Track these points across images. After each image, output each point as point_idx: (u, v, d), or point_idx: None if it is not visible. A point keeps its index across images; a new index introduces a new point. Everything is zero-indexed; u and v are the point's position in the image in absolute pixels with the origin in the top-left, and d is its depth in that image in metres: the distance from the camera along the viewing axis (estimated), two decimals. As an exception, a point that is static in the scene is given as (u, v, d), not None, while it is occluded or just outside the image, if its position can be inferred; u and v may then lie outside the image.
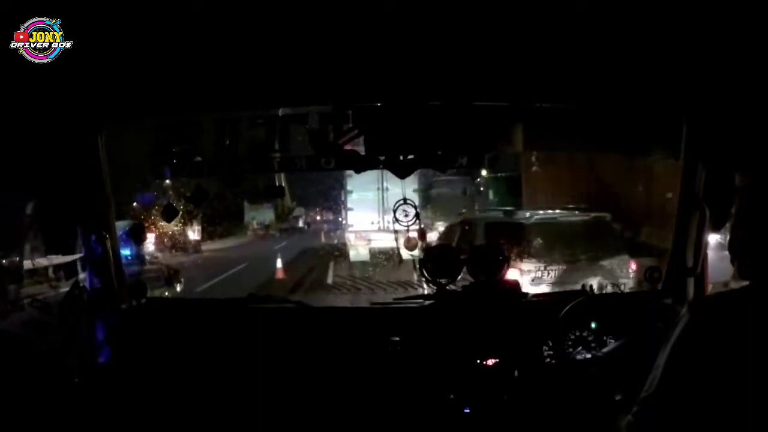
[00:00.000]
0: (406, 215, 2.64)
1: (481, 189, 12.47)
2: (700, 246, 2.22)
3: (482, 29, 1.72)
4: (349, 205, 11.31)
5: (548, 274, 5.44)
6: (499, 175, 11.79)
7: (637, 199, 8.21)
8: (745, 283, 1.11)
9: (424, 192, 10.98)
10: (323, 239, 18.43)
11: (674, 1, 1.56)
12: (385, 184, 10.12)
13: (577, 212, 7.37)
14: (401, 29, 1.72)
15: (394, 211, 2.64)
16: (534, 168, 10.55)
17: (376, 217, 9.97)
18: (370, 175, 9.69)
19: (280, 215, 25.19)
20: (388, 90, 2.21)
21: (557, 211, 7.77)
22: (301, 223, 25.30)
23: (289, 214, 25.55)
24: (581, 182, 8.81)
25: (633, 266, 5.81)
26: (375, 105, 2.27)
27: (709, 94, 2.07)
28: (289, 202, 23.72)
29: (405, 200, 2.67)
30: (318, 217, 26.03)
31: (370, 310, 2.77)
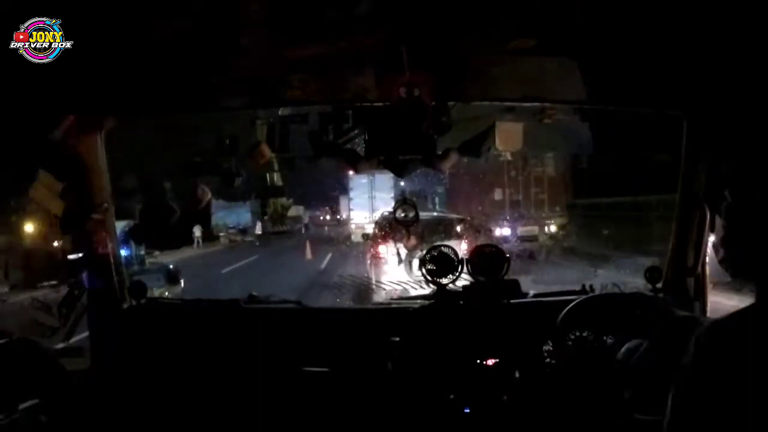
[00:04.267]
0: (406, 216, 2.64)
1: (433, 196, 17.02)
2: (700, 246, 2.22)
3: (482, 29, 1.72)
4: (351, 207, 16.00)
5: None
6: (441, 189, 17.14)
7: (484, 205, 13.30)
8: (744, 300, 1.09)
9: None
10: (309, 251, 14.29)
11: (674, 1, 1.56)
12: (373, 193, 14.74)
13: (453, 215, 10.75)
14: (401, 29, 1.72)
15: (395, 210, 2.65)
16: (449, 187, 15.96)
17: (368, 214, 14.55)
18: (364, 185, 14.73)
19: (272, 215, 20.88)
20: (388, 90, 2.21)
21: (434, 213, 11.47)
22: (255, 229, 19.84)
23: (284, 213, 21.52)
24: (463, 196, 14.11)
25: (464, 244, 8.14)
26: (375, 105, 2.28)
27: (709, 93, 2.07)
28: (285, 201, 20.48)
29: (405, 200, 2.67)
30: (326, 217, 22.73)
31: (369, 310, 2.77)
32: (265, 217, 20.57)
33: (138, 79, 1.99)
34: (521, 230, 11.11)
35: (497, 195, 12.30)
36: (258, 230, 20.34)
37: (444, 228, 8.76)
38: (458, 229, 9.11)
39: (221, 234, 18.89)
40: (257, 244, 18.74)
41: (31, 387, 1.76)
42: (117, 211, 2.50)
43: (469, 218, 10.80)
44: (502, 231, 11.02)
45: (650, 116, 2.33)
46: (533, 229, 11.06)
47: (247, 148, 2.53)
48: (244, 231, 19.69)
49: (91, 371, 2.29)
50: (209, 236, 17.20)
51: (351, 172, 12.93)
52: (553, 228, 11.20)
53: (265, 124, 2.38)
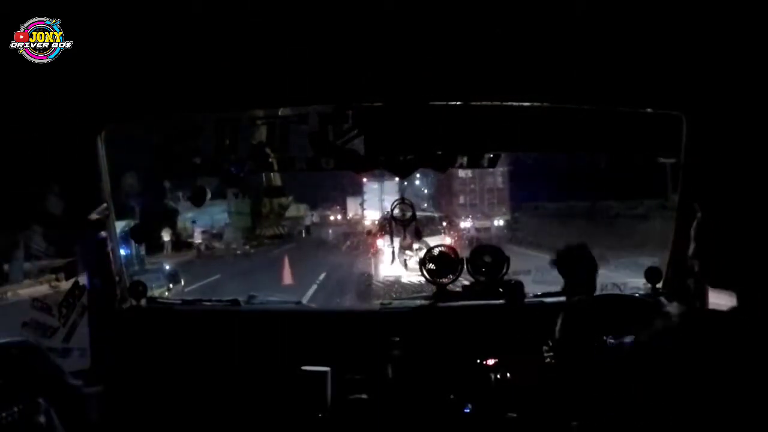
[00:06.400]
0: (404, 215, 2.65)
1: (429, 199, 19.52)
2: (700, 246, 2.21)
3: (482, 30, 1.72)
4: (365, 207, 17.68)
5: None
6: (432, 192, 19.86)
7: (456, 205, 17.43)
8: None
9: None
10: (288, 274, 9.32)
11: (674, 1, 1.56)
12: (382, 196, 15.70)
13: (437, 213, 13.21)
14: (401, 30, 1.72)
15: (392, 210, 2.65)
16: (438, 190, 18.63)
17: (378, 214, 15.86)
18: (375, 190, 16.57)
19: (267, 216, 17.51)
20: (388, 90, 2.21)
21: (426, 213, 12.28)
22: (194, 238, 15.14)
23: (281, 214, 18.50)
24: (442, 198, 17.34)
25: (447, 239, 9.11)
26: (375, 105, 2.28)
27: (709, 93, 2.07)
28: (283, 200, 17.79)
29: (403, 200, 2.68)
30: (337, 217, 20.96)
31: (369, 310, 2.77)
32: (227, 219, 16.54)
33: (138, 80, 2.00)
34: (477, 224, 16.48)
35: (461, 200, 18.10)
36: (197, 239, 14.99)
37: (431, 224, 10.35)
38: (443, 224, 11.31)
39: (196, 241, 14.96)
40: (242, 252, 14.80)
41: (31, 387, 1.76)
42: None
43: (447, 216, 14.01)
44: (465, 224, 16.10)
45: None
46: (485, 223, 16.67)
47: (247, 148, 2.53)
48: (218, 236, 15.79)
49: (91, 371, 2.29)
50: (179, 242, 14.04)
51: (365, 180, 15.86)
52: (501, 222, 16.97)
53: (265, 124, 2.37)
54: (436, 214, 13.51)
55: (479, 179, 17.47)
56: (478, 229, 16.07)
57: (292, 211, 19.36)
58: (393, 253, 2.70)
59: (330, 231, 19.15)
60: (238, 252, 15.42)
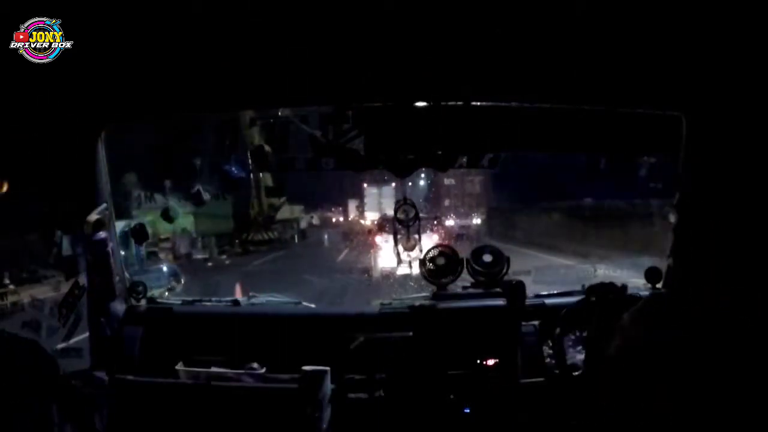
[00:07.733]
0: (407, 215, 2.65)
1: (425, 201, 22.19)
2: (700, 246, 2.21)
3: (481, 29, 1.72)
4: (366, 209, 18.94)
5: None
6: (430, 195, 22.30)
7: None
8: None
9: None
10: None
11: (673, 1, 1.56)
12: (381, 199, 17.29)
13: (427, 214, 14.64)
14: (401, 29, 1.72)
15: (396, 212, 2.65)
16: (428, 194, 21.23)
17: (377, 215, 16.87)
18: (375, 194, 18.04)
19: (255, 218, 15.15)
20: (388, 90, 2.21)
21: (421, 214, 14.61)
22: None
23: (272, 216, 16.08)
24: (435, 201, 20.16)
25: (435, 236, 10.72)
26: (375, 105, 2.28)
27: (709, 93, 2.07)
28: (276, 200, 15.48)
29: (405, 200, 2.68)
30: (339, 218, 22.04)
31: (369, 310, 2.77)
32: (185, 224, 13.54)
33: (138, 80, 2.00)
34: (460, 222, 19.37)
35: (446, 203, 21.27)
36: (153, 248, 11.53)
37: (425, 224, 11.27)
38: (434, 223, 12.75)
39: (154, 249, 11.97)
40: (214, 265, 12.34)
41: (31, 387, 1.76)
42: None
43: (437, 216, 15.83)
44: (450, 223, 18.63)
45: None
46: (466, 221, 19.74)
47: (246, 148, 2.53)
48: (184, 243, 13.50)
49: (91, 371, 2.29)
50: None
51: (365, 184, 17.19)
52: (478, 221, 20.07)
53: (265, 124, 2.38)
54: (427, 215, 14.47)
55: (461, 186, 20.96)
56: (461, 227, 18.77)
57: (285, 212, 17.08)
58: (398, 254, 2.70)
59: (326, 236, 18.55)
60: (209, 264, 12.93)
